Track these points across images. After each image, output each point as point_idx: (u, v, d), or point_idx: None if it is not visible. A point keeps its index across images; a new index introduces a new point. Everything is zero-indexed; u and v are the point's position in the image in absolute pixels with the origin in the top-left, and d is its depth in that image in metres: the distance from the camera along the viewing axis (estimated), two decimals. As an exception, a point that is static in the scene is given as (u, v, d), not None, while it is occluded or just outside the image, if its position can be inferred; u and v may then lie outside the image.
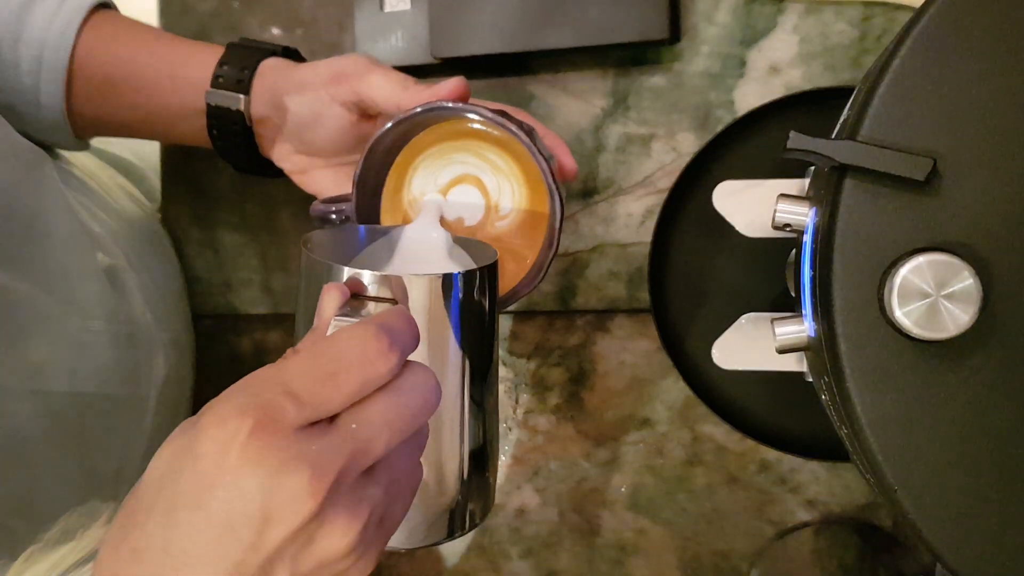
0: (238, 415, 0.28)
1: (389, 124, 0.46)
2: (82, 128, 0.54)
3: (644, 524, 0.59)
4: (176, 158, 0.63)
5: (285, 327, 0.64)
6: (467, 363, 0.40)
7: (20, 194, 0.45)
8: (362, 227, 0.46)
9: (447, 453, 0.40)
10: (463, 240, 0.46)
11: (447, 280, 0.38)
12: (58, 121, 0.52)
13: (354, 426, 0.30)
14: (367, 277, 0.36)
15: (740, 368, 0.50)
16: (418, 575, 0.61)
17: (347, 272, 0.36)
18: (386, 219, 0.49)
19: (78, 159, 0.60)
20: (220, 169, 0.55)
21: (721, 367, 0.50)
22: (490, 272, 0.41)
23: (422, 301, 0.37)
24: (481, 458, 0.42)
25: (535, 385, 0.60)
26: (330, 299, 0.34)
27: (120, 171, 0.66)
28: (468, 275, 0.39)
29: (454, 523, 0.41)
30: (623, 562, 0.59)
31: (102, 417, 0.50)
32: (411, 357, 0.33)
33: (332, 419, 0.30)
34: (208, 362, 0.65)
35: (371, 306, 0.36)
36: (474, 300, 0.39)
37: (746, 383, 0.54)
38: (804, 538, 0.56)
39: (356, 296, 0.36)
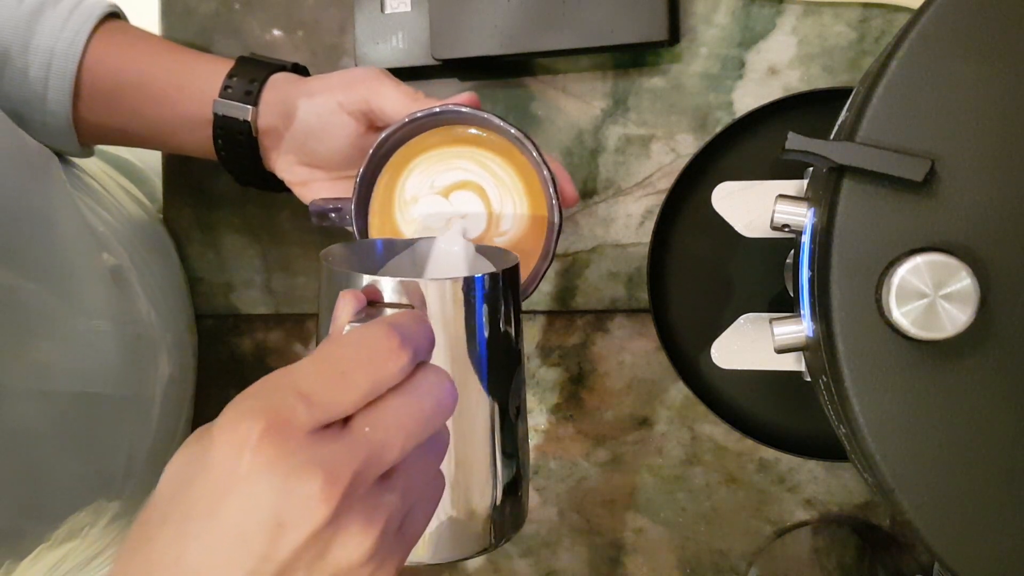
0: (248, 418, 0.27)
1: (406, 119, 0.46)
2: (87, 135, 0.54)
3: (643, 523, 0.59)
4: (177, 160, 0.63)
5: (286, 327, 0.64)
6: (491, 369, 0.39)
7: (29, 196, 0.45)
8: (381, 240, 0.46)
9: (476, 463, 0.39)
10: (485, 249, 0.45)
11: (465, 284, 0.37)
12: (64, 128, 0.53)
13: (367, 429, 0.29)
14: (384, 284, 0.35)
15: (739, 368, 0.50)
16: (417, 573, 0.62)
17: (365, 280, 0.35)
18: (374, 219, 0.48)
19: (80, 160, 0.60)
20: (221, 171, 0.55)
21: (720, 367, 0.50)
22: (511, 275, 0.39)
23: (440, 306, 0.36)
24: (512, 468, 0.40)
25: (535, 385, 0.60)
26: (345, 305, 0.34)
27: (121, 172, 0.67)
28: (486, 279, 0.38)
29: (483, 537, 0.39)
30: (622, 561, 0.59)
31: (108, 417, 0.50)
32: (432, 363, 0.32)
33: (344, 422, 0.29)
34: (210, 362, 0.65)
35: (387, 313, 0.35)
36: (495, 304, 0.38)
37: (745, 383, 0.55)
38: (802, 537, 0.56)
39: (372, 304, 0.35)
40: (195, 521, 0.27)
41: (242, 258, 0.64)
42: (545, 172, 0.45)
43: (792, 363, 0.47)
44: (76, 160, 0.59)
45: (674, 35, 0.54)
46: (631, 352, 0.58)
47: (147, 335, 0.55)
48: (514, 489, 0.41)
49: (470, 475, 0.39)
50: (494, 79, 0.59)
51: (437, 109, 0.46)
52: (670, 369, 0.55)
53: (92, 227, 0.53)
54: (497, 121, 0.45)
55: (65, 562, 0.49)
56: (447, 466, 0.35)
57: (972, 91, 0.32)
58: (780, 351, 0.41)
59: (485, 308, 0.38)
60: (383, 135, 0.46)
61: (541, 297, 0.59)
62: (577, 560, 0.60)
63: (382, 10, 0.58)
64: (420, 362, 0.31)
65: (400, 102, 0.47)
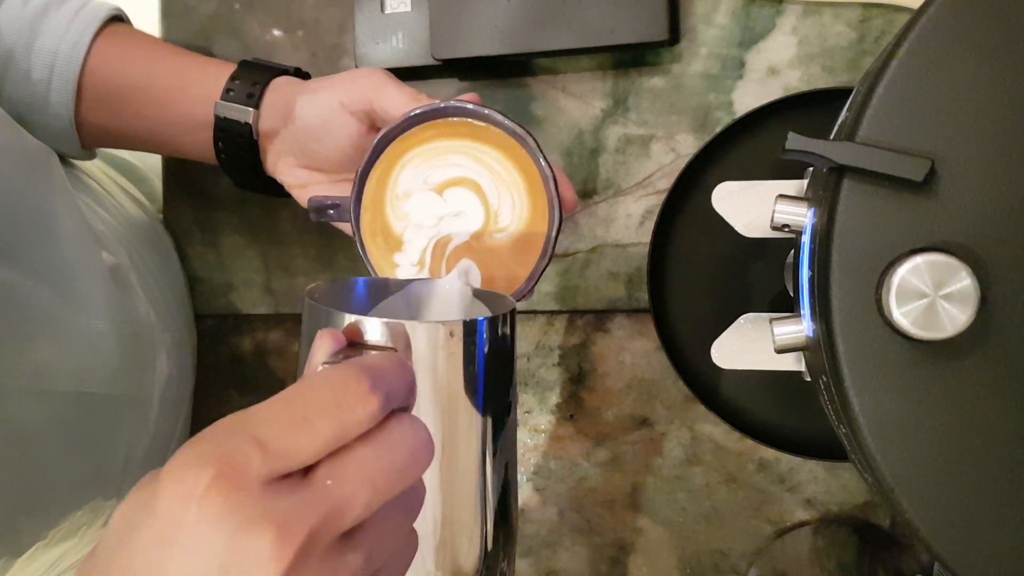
0: (197, 464, 0.25)
1: (408, 114, 0.45)
2: (89, 138, 0.54)
3: (643, 523, 0.59)
4: (177, 160, 0.63)
5: (286, 327, 0.64)
6: (482, 420, 0.36)
7: (29, 193, 0.46)
8: (375, 280, 0.44)
9: (463, 523, 0.36)
10: (485, 293, 0.43)
11: (452, 328, 0.34)
12: (66, 130, 0.53)
13: (329, 482, 0.26)
14: (365, 324, 0.33)
15: (739, 368, 0.50)
16: (418, 574, 0.62)
17: (346, 319, 0.33)
18: (366, 214, 0.47)
19: (79, 161, 0.60)
20: (221, 171, 0.55)
21: (720, 367, 0.50)
22: (505, 321, 0.37)
23: (426, 351, 0.33)
24: (503, 520, 0.38)
25: (535, 385, 0.60)
26: (322, 345, 0.31)
27: (121, 172, 0.67)
28: (477, 323, 0.35)
29: None
30: (623, 561, 0.59)
31: (107, 416, 0.50)
32: (417, 414, 0.30)
33: (305, 472, 0.27)
34: (209, 362, 0.65)
35: (367, 355, 0.32)
36: (487, 351, 0.35)
37: (745, 383, 0.55)
38: (803, 537, 0.56)
39: (353, 345, 0.33)
40: (138, 575, 0.26)
41: (242, 258, 0.64)
42: (545, 166, 0.45)
43: (792, 363, 0.47)
44: (76, 161, 0.60)
45: (674, 35, 0.54)
46: (631, 352, 0.58)
47: (146, 335, 0.55)
48: (505, 549, 0.38)
49: (457, 535, 0.36)
50: (494, 79, 0.59)
51: (440, 104, 0.45)
52: (670, 369, 0.55)
53: (91, 226, 0.53)
54: (499, 117, 0.45)
55: (62, 561, 0.49)
56: (430, 525, 0.32)
57: (972, 91, 0.32)
58: (780, 351, 0.41)
59: (475, 355, 0.35)
60: (384, 130, 0.46)
61: (541, 297, 0.59)
62: (577, 560, 0.60)
63: (382, 10, 0.58)
64: (395, 410, 0.29)
65: (403, 102, 0.47)
